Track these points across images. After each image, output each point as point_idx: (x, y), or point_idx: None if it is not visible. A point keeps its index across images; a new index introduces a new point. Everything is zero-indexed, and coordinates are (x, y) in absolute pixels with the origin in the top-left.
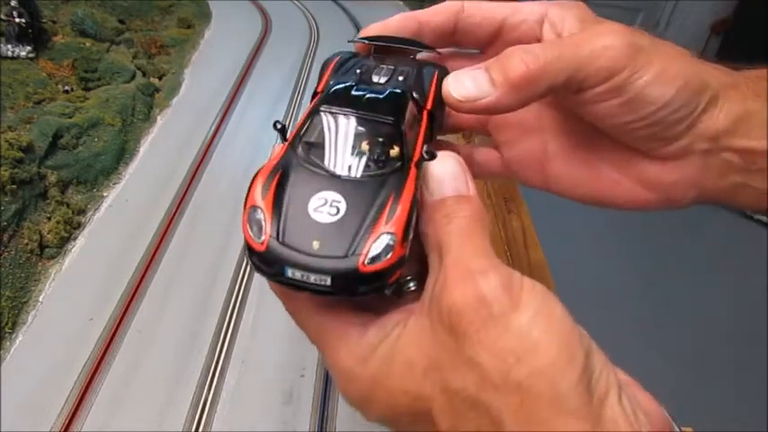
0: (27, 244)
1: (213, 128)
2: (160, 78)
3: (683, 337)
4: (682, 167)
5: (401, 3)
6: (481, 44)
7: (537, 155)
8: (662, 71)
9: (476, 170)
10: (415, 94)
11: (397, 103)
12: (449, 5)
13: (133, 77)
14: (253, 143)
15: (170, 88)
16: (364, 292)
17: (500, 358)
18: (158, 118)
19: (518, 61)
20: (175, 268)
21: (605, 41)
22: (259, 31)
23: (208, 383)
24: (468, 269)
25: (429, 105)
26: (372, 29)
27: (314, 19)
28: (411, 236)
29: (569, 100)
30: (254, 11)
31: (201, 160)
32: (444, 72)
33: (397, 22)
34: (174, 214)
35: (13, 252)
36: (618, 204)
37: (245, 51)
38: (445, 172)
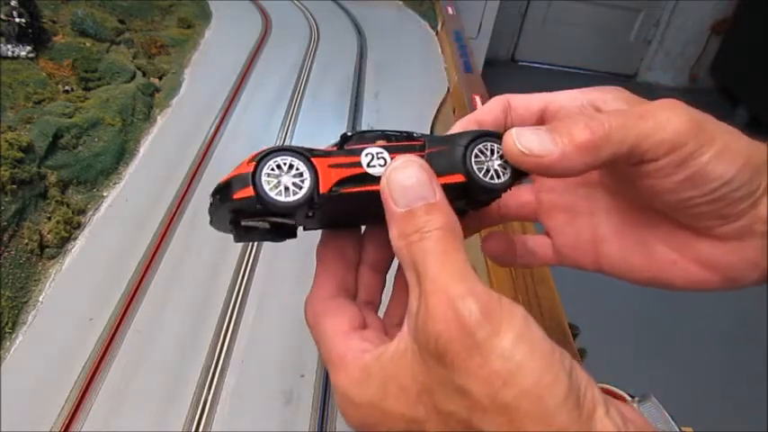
0: (27, 244)
1: (213, 128)
2: (160, 78)
3: (684, 336)
4: (742, 248)
5: (401, 3)
6: None
7: (588, 238)
8: (724, 148)
9: (529, 259)
10: (414, 133)
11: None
12: (497, 102)
13: (133, 77)
14: (253, 143)
15: (170, 88)
16: (218, 205)
17: (487, 383)
18: (158, 118)
19: (583, 126)
20: (175, 268)
21: (669, 115)
22: (259, 32)
23: (208, 383)
24: (449, 297)
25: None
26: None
27: (314, 19)
28: (265, 167)
29: (629, 173)
30: (254, 11)
31: (201, 160)
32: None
33: (458, 128)
34: (174, 214)
35: (13, 252)
36: (676, 285)
37: (245, 51)
38: (409, 179)
